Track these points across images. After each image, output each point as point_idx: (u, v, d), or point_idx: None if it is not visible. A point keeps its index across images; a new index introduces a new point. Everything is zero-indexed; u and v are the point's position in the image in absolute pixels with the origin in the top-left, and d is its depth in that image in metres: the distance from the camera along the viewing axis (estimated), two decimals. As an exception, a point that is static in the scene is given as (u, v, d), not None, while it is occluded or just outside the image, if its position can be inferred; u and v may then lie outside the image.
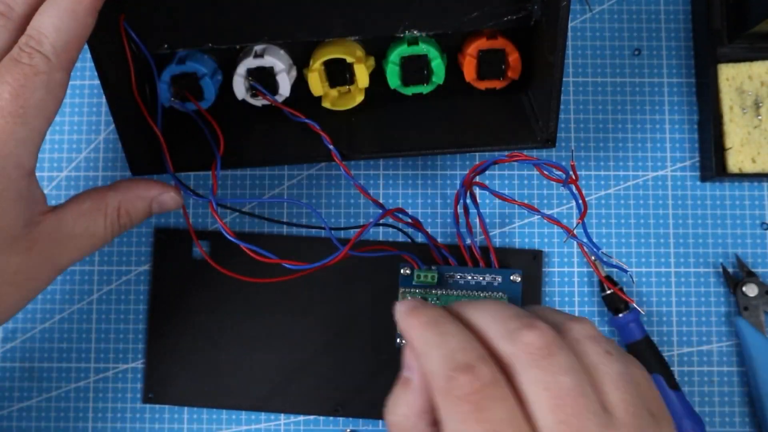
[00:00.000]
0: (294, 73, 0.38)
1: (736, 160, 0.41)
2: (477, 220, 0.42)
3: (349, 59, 0.37)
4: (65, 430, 0.42)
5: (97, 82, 0.40)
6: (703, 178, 0.43)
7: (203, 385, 0.42)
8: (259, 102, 0.38)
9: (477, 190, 0.42)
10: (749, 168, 0.41)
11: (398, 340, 0.39)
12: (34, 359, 0.43)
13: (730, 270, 0.43)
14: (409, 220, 0.38)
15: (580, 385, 0.24)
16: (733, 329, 0.42)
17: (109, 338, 0.43)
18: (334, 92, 0.38)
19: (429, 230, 0.41)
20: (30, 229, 0.31)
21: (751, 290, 0.42)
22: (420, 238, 0.41)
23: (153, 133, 0.36)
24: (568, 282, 0.43)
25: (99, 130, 0.44)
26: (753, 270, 0.42)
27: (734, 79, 0.42)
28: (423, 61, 0.37)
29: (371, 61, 0.38)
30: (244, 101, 0.38)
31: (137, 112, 0.36)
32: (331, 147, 0.35)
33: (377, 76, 0.38)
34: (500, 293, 0.39)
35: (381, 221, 0.37)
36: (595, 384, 0.25)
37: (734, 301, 0.42)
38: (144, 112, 0.35)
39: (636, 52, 0.44)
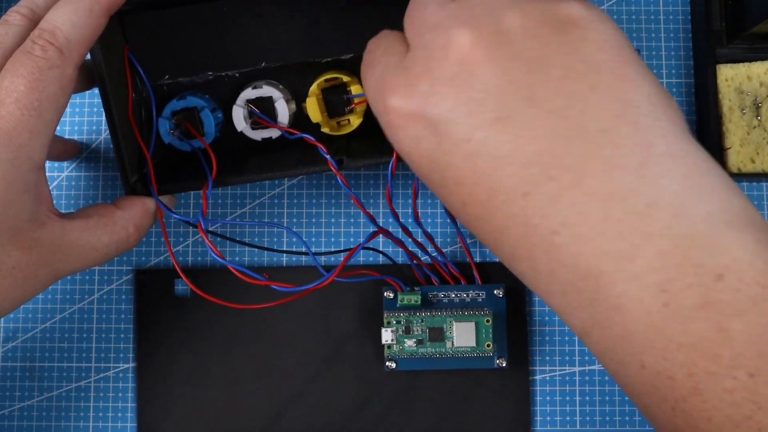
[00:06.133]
0: (293, 106, 0.38)
1: (736, 161, 0.41)
2: (456, 237, 0.42)
3: (344, 78, 0.37)
4: (66, 430, 0.42)
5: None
6: (703, 179, 0.43)
7: (196, 421, 0.42)
8: (258, 135, 0.38)
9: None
10: (748, 168, 0.41)
11: (386, 364, 0.39)
12: (34, 359, 0.43)
13: (730, 270, 0.43)
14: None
15: None
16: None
17: (110, 338, 0.43)
18: (332, 122, 0.38)
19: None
20: (34, 227, 0.31)
21: (750, 290, 0.42)
22: (400, 258, 0.41)
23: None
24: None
25: (99, 130, 0.44)
26: (752, 270, 0.42)
27: (733, 79, 0.42)
28: None
29: None
30: (243, 136, 0.38)
31: (134, 137, 0.36)
32: (327, 156, 0.35)
33: None
34: (485, 309, 0.39)
35: (361, 243, 0.37)
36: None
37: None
38: (139, 139, 0.36)
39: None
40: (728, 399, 0.22)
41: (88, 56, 0.33)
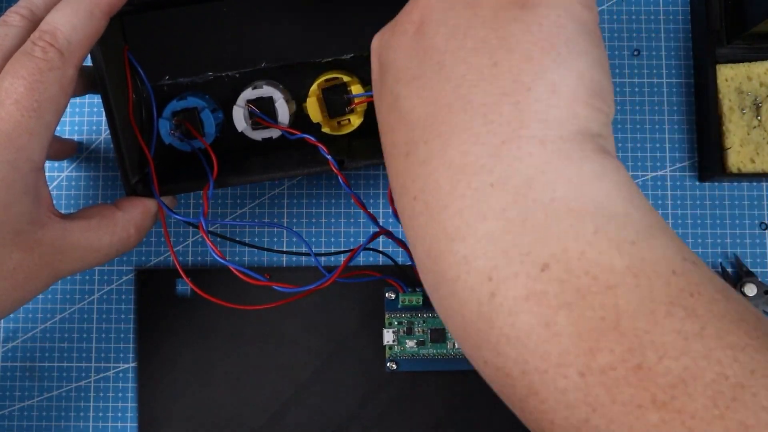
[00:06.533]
0: (293, 106, 0.38)
1: (735, 161, 0.41)
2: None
3: (345, 78, 0.37)
4: (66, 430, 0.42)
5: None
6: (702, 179, 0.43)
7: (196, 421, 0.42)
8: (258, 136, 0.38)
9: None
10: (748, 168, 0.41)
11: (387, 365, 0.39)
12: (35, 359, 0.43)
13: (729, 270, 0.43)
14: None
15: None
16: (732, 329, 0.42)
17: (110, 338, 0.43)
18: (333, 122, 0.38)
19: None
20: (34, 228, 0.31)
21: (750, 290, 0.42)
22: (400, 258, 0.41)
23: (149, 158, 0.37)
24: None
25: (99, 130, 0.44)
26: (752, 270, 0.42)
27: (733, 79, 0.42)
28: None
29: (368, 88, 0.38)
30: (244, 136, 0.38)
31: (135, 138, 0.36)
32: (328, 157, 0.35)
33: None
34: None
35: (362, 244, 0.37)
36: None
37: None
38: (140, 139, 0.36)
39: (635, 53, 0.44)
40: (563, 400, 0.20)
41: (88, 61, 0.33)
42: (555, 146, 0.22)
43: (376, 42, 0.28)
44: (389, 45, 0.27)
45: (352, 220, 0.44)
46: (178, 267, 0.35)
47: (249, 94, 0.37)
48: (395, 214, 0.39)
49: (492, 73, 0.24)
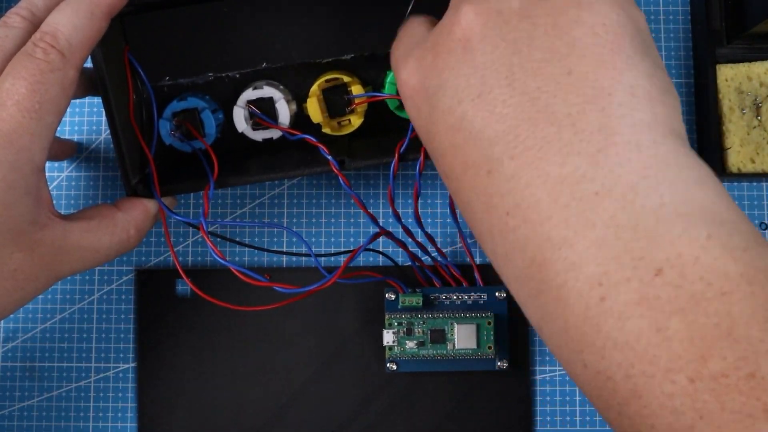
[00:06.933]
0: (294, 106, 0.38)
1: (736, 161, 0.41)
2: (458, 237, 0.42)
3: (345, 78, 0.37)
4: (66, 430, 0.42)
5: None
6: (702, 179, 0.43)
7: (196, 421, 0.42)
8: (259, 136, 0.38)
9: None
10: (748, 168, 0.41)
11: (387, 366, 0.39)
12: (34, 359, 0.43)
13: (729, 270, 0.43)
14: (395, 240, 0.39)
15: None
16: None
17: (110, 338, 0.43)
18: (333, 122, 0.38)
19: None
20: (35, 229, 0.31)
21: (749, 290, 0.42)
22: (400, 258, 0.41)
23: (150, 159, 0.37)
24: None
25: (99, 130, 0.44)
26: (752, 270, 0.42)
27: (733, 79, 0.42)
28: None
29: (369, 89, 0.38)
30: (244, 137, 0.38)
31: (135, 139, 0.36)
32: (329, 157, 0.35)
33: (375, 103, 0.38)
34: (487, 311, 0.39)
35: (362, 244, 0.37)
36: None
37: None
38: (140, 139, 0.36)
39: (635, 53, 0.44)
40: (669, 405, 0.20)
41: (88, 62, 0.33)
42: (650, 151, 0.23)
43: (407, 71, 0.28)
44: (434, 67, 0.27)
45: (352, 220, 0.44)
46: (178, 267, 0.35)
47: (249, 94, 0.37)
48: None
49: (569, 81, 0.24)
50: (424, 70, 0.27)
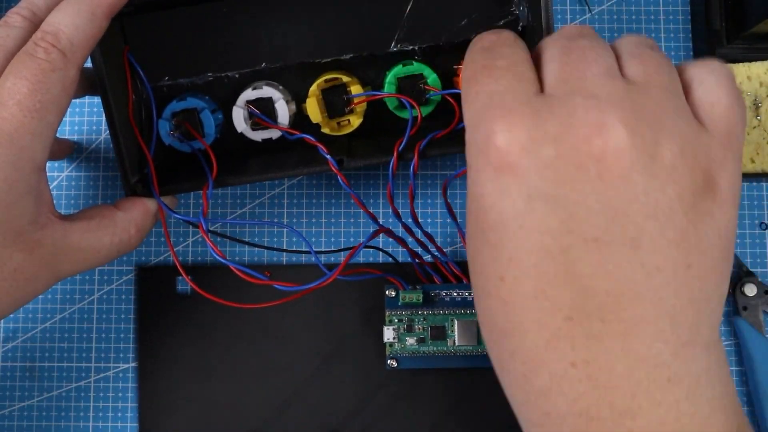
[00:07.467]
0: (293, 106, 0.38)
1: (735, 160, 0.41)
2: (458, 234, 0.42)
3: (344, 78, 0.37)
4: (66, 430, 0.42)
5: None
6: (702, 178, 0.43)
7: (198, 419, 0.42)
8: (258, 136, 0.38)
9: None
10: (748, 168, 0.41)
11: (387, 362, 0.39)
12: (34, 359, 0.43)
13: (729, 270, 0.43)
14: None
15: (593, 48, 0.26)
16: (732, 329, 0.43)
17: (110, 338, 0.43)
18: (332, 122, 0.38)
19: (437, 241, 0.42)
20: (35, 229, 0.31)
21: (750, 290, 0.42)
22: (401, 257, 0.41)
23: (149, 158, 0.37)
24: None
25: (99, 130, 0.44)
26: (752, 270, 0.43)
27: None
28: (418, 79, 0.37)
29: (368, 89, 0.38)
30: (243, 137, 0.38)
31: (135, 139, 0.36)
32: (328, 156, 0.35)
33: (375, 103, 0.38)
34: None
35: (362, 242, 0.37)
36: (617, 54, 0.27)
37: (733, 300, 0.42)
38: (140, 139, 0.36)
39: (635, 53, 0.44)
40: None
41: (88, 62, 0.33)
42: (715, 351, 0.25)
43: (504, 142, 0.24)
44: (541, 172, 0.24)
45: (352, 219, 0.44)
46: (178, 267, 0.35)
47: (249, 94, 0.37)
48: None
49: (686, 275, 0.24)
50: (532, 161, 0.24)
